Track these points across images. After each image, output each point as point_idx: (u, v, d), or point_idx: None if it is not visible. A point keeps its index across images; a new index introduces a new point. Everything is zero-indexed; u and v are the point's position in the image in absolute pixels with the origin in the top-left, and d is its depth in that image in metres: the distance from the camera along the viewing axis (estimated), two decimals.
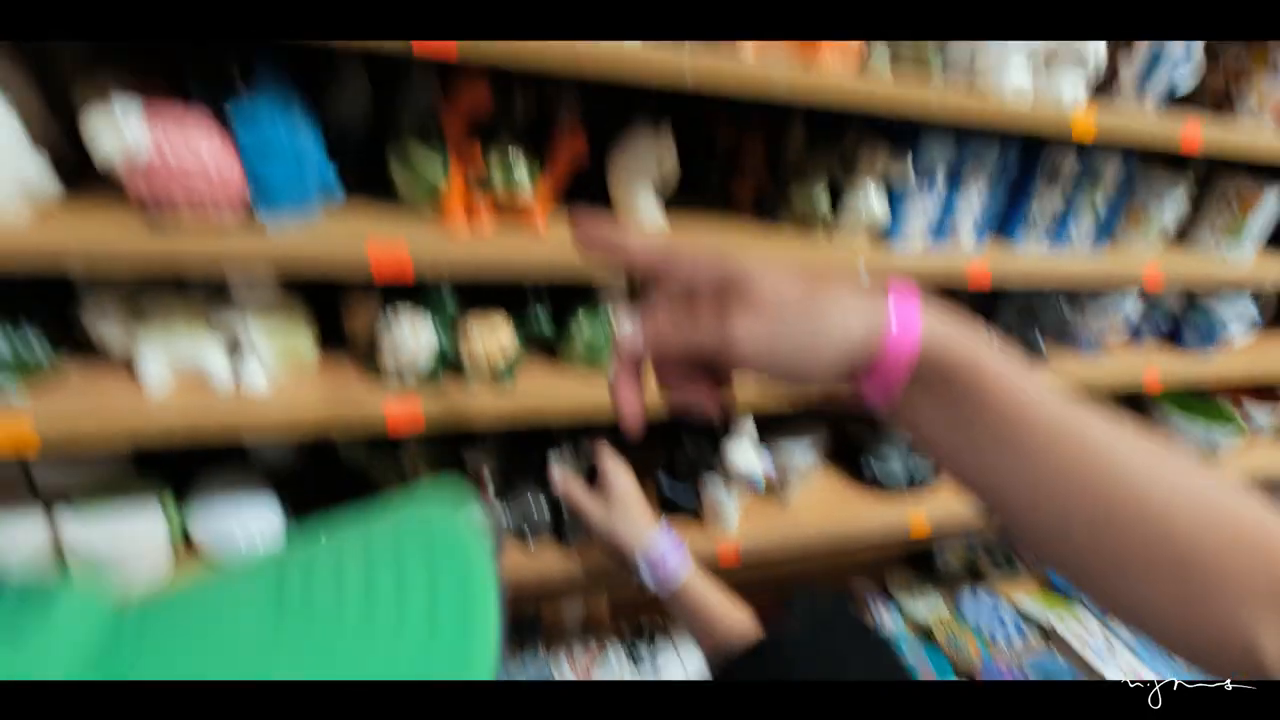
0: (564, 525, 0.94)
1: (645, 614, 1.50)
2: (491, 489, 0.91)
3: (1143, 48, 0.94)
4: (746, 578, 1.17)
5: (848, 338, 0.33)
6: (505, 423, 0.79)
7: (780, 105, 0.91)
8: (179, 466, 0.86)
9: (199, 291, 0.73)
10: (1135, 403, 1.42)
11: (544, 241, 0.75)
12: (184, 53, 0.65)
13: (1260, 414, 1.44)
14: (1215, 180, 1.17)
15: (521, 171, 0.74)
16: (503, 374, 0.79)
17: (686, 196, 0.96)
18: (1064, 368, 1.14)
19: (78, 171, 0.65)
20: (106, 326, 0.69)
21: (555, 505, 0.92)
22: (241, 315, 0.72)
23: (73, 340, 0.71)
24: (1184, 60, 0.93)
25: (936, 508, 1.17)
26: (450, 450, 0.99)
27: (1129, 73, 0.95)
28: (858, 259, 0.89)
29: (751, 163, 0.94)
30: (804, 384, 0.35)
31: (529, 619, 1.36)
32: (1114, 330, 1.16)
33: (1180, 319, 1.26)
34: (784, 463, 1.07)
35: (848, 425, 1.20)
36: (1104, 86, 0.97)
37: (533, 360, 0.87)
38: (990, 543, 1.96)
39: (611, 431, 0.89)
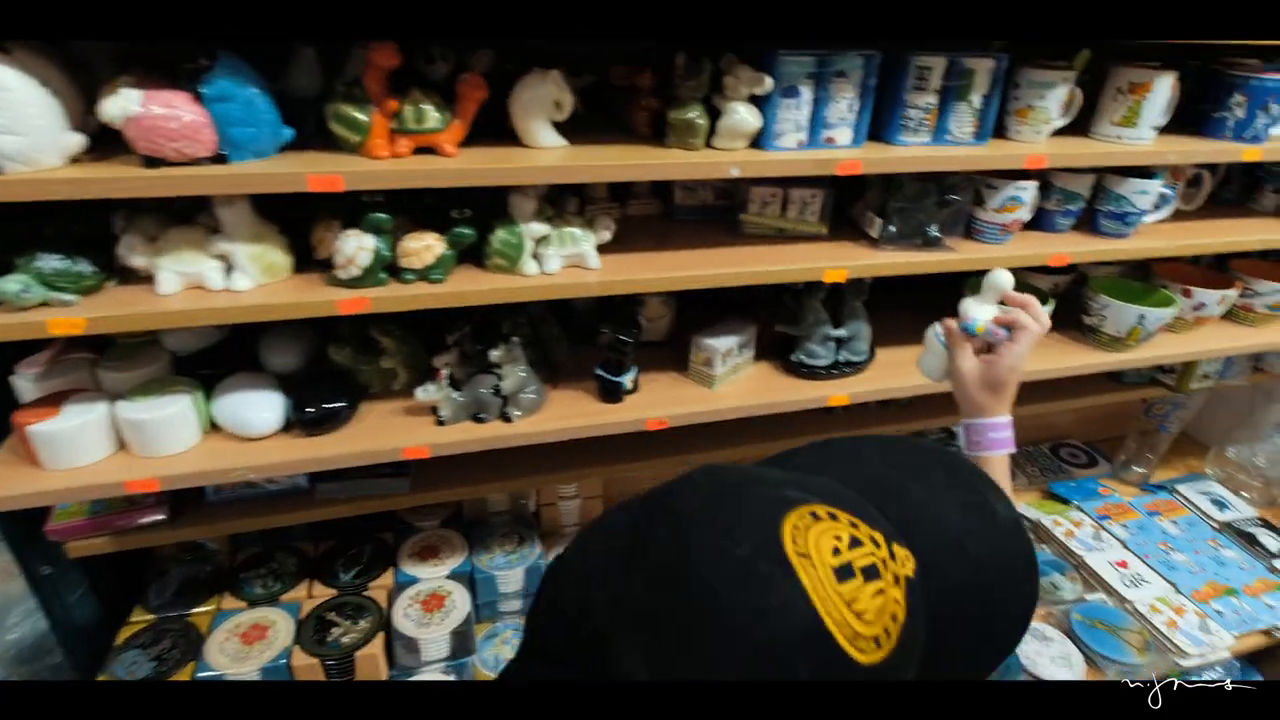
0: (508, 411, 1.14)
1: None
2: (448, 381, 1.12)
3: None
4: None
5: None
6: (435, 305, 1.00)
7: (663, 44, 1.08)
8: (211, 371, 1.11)
9: (202, 228, 0.97)
10: (1076, 292, 1.50)
11: (455, 162, 0.96)
12: (169, 52, 0.88)
13: (1208, 297, 1.49)
14: (1108, 73, 1.25)
15: (431, 115, 0.95)
16: (433, 272, 1.00)
17: (596, 124, 1.14)
18: (970, 255, 1.25)
19: (103, 137, 0.89)
20: (134, 257, 0.94)
21: (498, 391, 1.13)
22: (231, 242, 0.95)
23: (113, 267, 0.97)
24: None
25: (860, 387, 1.31)
26: (424, 356, 1.21)
27: None
28: (732, 161, 1.05)
29: (642, 93, 1.12)
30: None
31: (526, 516, 1.57)
32: (1013, 218, 1.26)
33: (1094, 206, 1.35)
34: (710, 353, 1.24)
35: (777, 327, 1.35)
36: None
37: (464, 264, 1.07)
38: None
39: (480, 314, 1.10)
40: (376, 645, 1.25)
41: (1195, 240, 1.39)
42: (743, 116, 1.06)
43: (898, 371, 1.36)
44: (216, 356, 1.16)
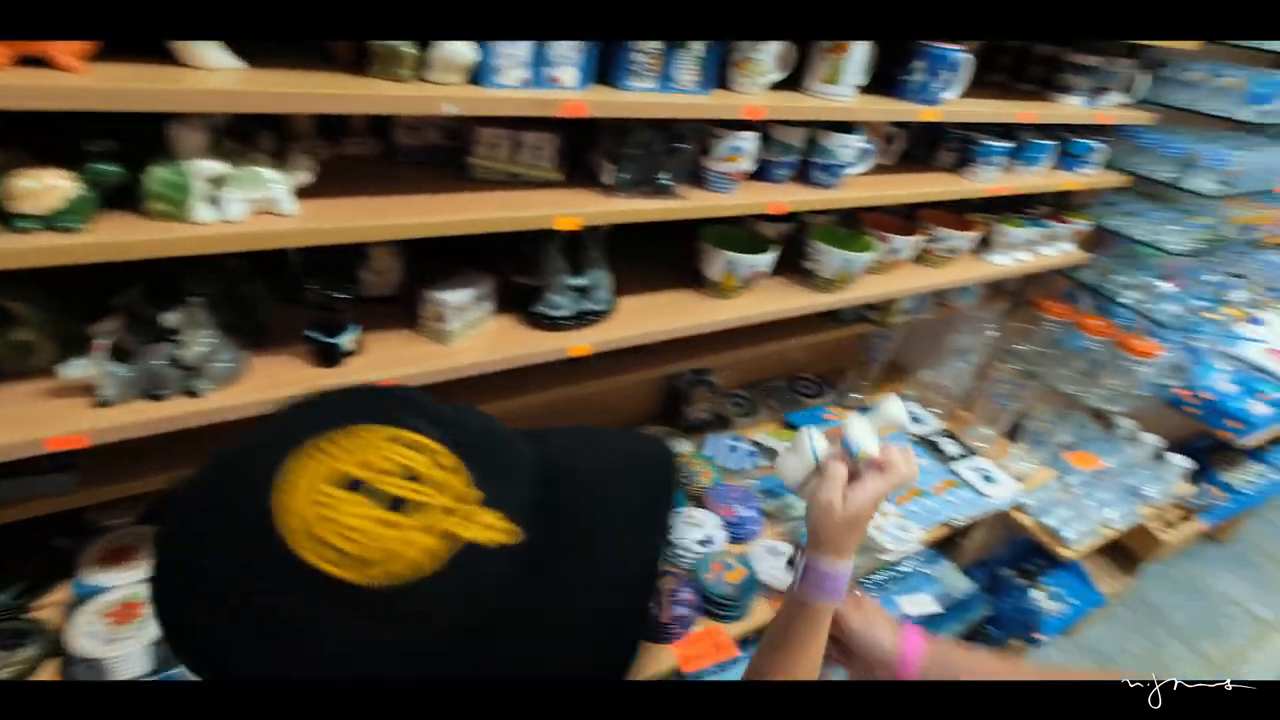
0: (193, 384, 0.97)
1: None
2: (108, 354, 0.92)
3: None
4: None
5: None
6: (71, 261, 0.81)
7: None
8: None
9: None
10: (798, 237, 1.62)
11: (81, 79, 0.76)
12: None
13: (901, 243, 1.69)
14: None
15: None
16: (65, 219, 0.81)
17: (292, 47, 0.98)
18: (699, 203, 1.29)
19: None
20: None
21: (177, 362, 0.95)
22: None
23: None
24: None
25: (603, 336, 1.30)
26: (78, 324, 0.98)
27: None
28: (446, 94, 0.96)
29: None
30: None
31: None
32: (737, 168, 1.31)
33: (807, 159, 1.45)
34: (441, 307, 1.16)
35: (515, 278, 1.29)
36: None
37: (120, 209, 0.88)
38: (738, 395, 2.19)
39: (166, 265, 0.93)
40: (45, 675, 1.03)
41: (890, 191, 1.56)
42: (455, 47, 0.97)
43: (641, 319, 1.38)
44: None
